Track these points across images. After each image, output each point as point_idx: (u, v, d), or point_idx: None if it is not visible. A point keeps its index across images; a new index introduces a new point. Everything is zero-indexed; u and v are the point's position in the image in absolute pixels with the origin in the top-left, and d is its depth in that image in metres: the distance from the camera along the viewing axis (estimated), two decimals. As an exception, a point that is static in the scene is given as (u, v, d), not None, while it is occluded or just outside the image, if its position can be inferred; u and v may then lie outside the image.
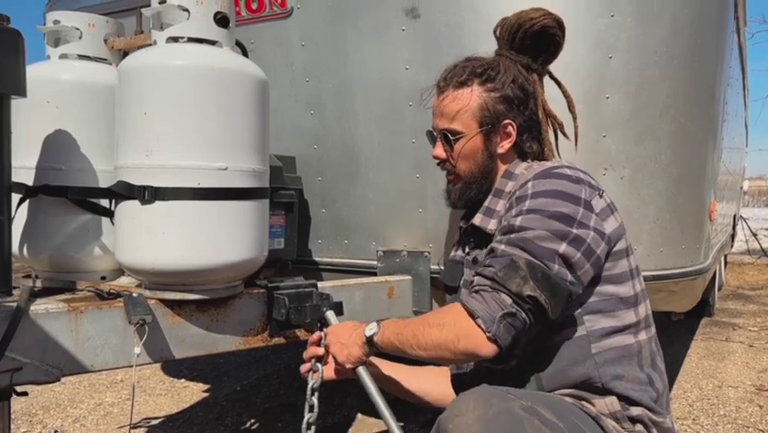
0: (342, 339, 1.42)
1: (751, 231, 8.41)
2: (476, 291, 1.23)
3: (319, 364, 1.56)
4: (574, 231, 1.23)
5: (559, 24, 1.45)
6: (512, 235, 1.25)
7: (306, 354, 1.53)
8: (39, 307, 1.36)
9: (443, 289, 1.68)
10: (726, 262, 6.70)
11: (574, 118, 1.53)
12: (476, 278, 1.26)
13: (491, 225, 1.40)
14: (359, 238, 2.15)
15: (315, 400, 1.53)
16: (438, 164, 1.52)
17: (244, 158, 1.50)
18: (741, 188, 6.84)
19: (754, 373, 3.46)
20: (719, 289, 5.58)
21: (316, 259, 2.22)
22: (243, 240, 1.51)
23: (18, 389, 1.47)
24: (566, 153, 1.55)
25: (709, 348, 3.94)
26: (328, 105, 2.11)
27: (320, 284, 1.75)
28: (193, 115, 1.43)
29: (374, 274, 2.09)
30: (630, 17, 1.83)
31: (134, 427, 2.49)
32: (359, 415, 2.66)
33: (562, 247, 1.21)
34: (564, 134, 1.51)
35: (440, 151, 1.48)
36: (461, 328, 1.20)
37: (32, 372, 1.33)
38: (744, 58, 4.34)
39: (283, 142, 2.10)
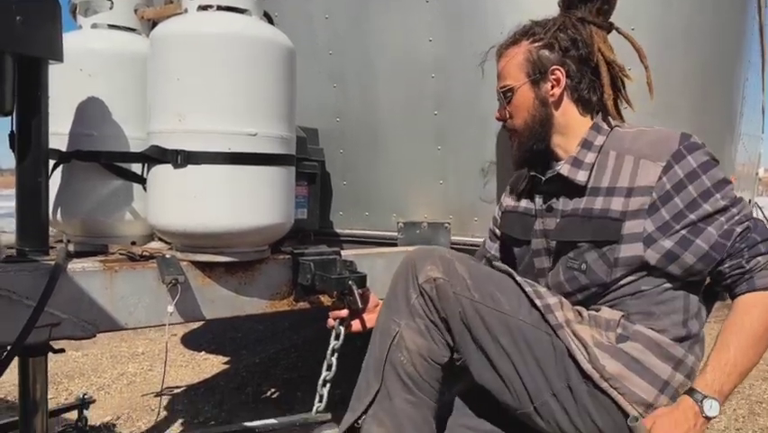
0: None
1: (765, 217, 8.38)
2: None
3: (341, 327, 1.62)
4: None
5: None
6: (731, 213, 1.32)
7: (331, 315, 1.60)
8: (76, 265, 1.41)
9: (505, 242, 1.71)
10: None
11: (646, 68, 1.54)
12: (752, 261, 1.29)
13: (580, 177, 1.42)
14: (379, 210, 2.19)
15: (333, 360, 1.60)
16: (503, 127, 1.56)
17: (273, 124, 1.53)
18: (756, 174, 6.78)
19: (768, 353, 3.47)
20: (733, 273, 5.54)
21: (338, 231, 2.26)
22: (272, 205, 1.55)
23: (55, 346, 1.54)
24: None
25: (723, 330, 3.94)
26: (350, 78, 2.14)
27: (342, 253, 1.79)
28: (224, 81, 1.47)
29: (394, 246, 2.13)
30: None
31: (158, 394, 2.55)
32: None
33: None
34: (627, 76, 1.53)
35: (499, 111, 1.53)
36: None
37: (69, 327, 1.38)
38: (763, 40, 4.29)
39: (306, 115, 2.13)
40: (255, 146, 1.49)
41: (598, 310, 1.38)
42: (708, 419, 1.21)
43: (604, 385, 1.28)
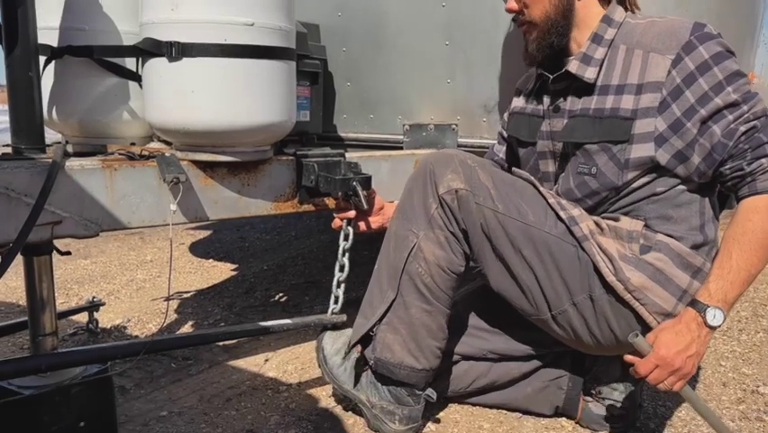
0: (691, 350, 1.20)
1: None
2: None
3: (350, 228, 1.61)
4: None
5: None
6: (741, 110, 1.25)
7: (337, 215, 1.58)
8: (74, 163, 1.37)
9: (511, 145, 1.67)
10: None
11: None
12: (755, 163, 1.23)
13: (588, 74, 1.36)
14: (384, 112, 2.12)
15: (345, 260, 1.60)
16: (513, 19, 1.47)
17: (270, 14, 1.45)
18: (773, 82, 6.60)
19: (773, 259, 3.48)
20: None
21: (341, 134, 2.20)
22: (272, 101, 1.49)
23: (61, 250, 1.53)
24: None
25: (729, 238, 3.94)
26: (353, -31, 2.02)
27: (347, 155, 1.75)
28: (217, -34, 1.38)
29: (400, 149, 2.08)
30: None
31: (167, 299, 2.59)
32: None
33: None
34: None
35: (512, 2, 1.42)
36: None
37: (71, 225, 1.37)
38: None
39: (305, 9, 2.02)
40: (252, 38, 1.42)
41: (617, 220, 1.35)
42: (712, 328, 1.21)
43: (627, 297, 1.28)
